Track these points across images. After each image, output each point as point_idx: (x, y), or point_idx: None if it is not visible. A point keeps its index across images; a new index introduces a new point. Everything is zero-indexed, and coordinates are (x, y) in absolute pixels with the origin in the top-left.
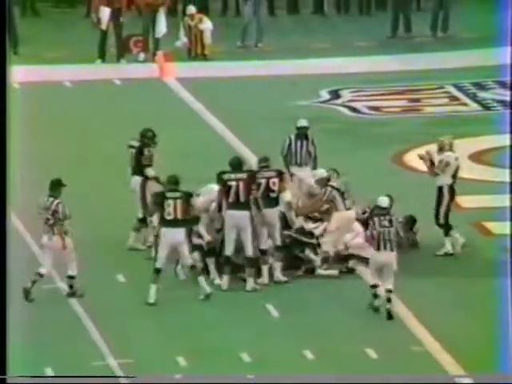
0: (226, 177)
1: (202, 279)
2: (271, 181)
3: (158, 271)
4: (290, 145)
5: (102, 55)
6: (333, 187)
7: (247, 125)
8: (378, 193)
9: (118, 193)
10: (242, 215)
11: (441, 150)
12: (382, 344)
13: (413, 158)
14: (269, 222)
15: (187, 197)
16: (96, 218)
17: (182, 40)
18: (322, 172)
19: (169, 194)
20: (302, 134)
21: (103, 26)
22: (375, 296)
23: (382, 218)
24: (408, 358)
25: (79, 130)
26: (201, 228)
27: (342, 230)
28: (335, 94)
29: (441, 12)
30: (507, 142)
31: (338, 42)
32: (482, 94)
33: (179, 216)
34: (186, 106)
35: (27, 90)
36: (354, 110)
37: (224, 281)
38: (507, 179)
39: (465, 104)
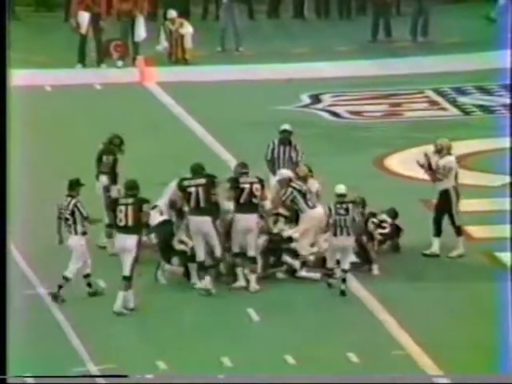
0: (185, 183)
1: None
2: (254, 186)
3: (123, 278)
4: (273, 150)
5: (82, 60)
6: (294, 188)
7: (228, 129)
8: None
9: (97, 197)
10: (204, 220)
11: (438, 152)
12: (364, 348)
13: (394, 162)
14: (247, 228)
15: (140, 203)
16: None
17: (163, 44)
18: (285, 172)
19: (121, 201)
20: (285, 138)
21: (83, 31)
22: (330, 276)
23: (339, 206)
24: (389, 361)
25: (60, 135)
26: (182, 235)
27: (315, 230)
28: (316, 99)
29: (420, 17)
30: (487, 147)
31: (319, 46)
32: (461, 99)
33: (130, 223)
34: (167, 110)
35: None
36: (334, 114)
37: (207, 281)
38: (487, 183)
39: (444, 109)
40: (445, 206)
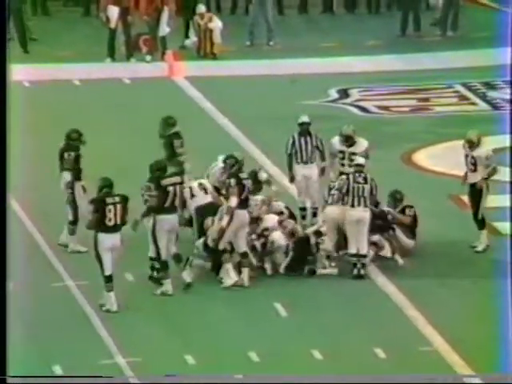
0: (164, 182)
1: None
2: (248, 182)
3: (108, 278)
4: (293, 143)
5: (112, 54)
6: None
7: (256, 124)
8: (387, 192)
9: (126, 192)
10: (175, 218)
11: (471, 147)
12: (391, 344)
13: (422, 157)
14: (244, 223)
15: (126, 200)
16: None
17: (192, 39)
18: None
19: (108, 200)
20: (305, 130)
21: (112, 25)
22: (359, 265)
23: (358, 174)
24: (416, 357)
25: (88, 129)
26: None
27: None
28: (344, 94)
29: (450, 11)
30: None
31: (347, 41)
32: (491, 94)
33: (119, 221)
34: (195, 104)
35: (37, 89)
36: (363, 109)
37: (185, 274)
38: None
39: (474, 103)
40: (474, 198)
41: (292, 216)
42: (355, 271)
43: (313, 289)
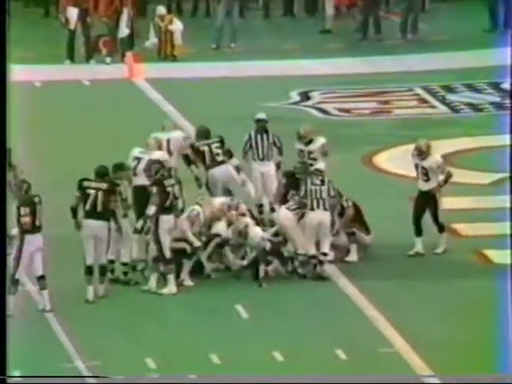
0: (85, 184)
1: (170, 277)
2: (174, 188)
3: (89, 269)
4: (249, 139)
5: (71, 55)
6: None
7: (217, 126)
8: (348, 194)
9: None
10: (99, 225)
11: (420, 155)
12: (352, 345)
13: (382, 160)
14: (167, 229)
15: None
16: (60, 215)
17: (152, 40)
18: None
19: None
20: (261, 127)
21: (71, 26)
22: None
23: (315, 177)
24: (377, 359)
25: (48, 131)
26: (189, 234)
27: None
28: (305, 96)
29: (410, 14)
30: (476, 145)
31: (309, 43)
32: (450, 97)
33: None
34: (156, 106)
35: None
36: (323, 111)
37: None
38: (475, 181)
39: (433, 106)
40: (429, 204)
41: (253, 217)
42: (317, 270)
43: (274, 291)
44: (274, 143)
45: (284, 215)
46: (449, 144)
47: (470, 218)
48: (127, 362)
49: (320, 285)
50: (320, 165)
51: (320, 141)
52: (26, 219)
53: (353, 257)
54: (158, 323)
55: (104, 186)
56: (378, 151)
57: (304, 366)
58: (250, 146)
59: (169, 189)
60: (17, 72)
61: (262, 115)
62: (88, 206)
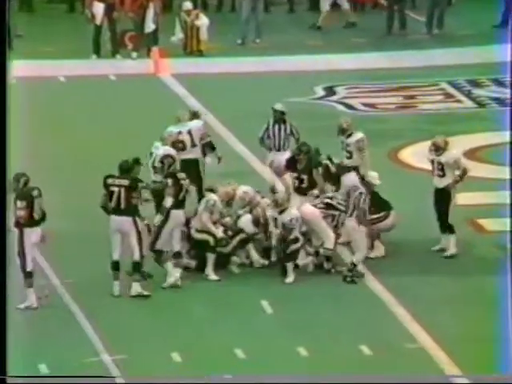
0: (109, 181)
1: (169, 265)
2: (186, 182)
3: (115, 264)
4: (267, 129)
5: (97, 50)
6: None
7: (242, 121)
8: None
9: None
10: (123, 220)
11: (437, 150)
12: (376, 341)
13: (408, 155)
14: (177, 223)
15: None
16: (91, 212)
17: (178, 36)
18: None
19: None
20: (279, 118)
21: (97, 22)
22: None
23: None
24: (402, 355)
25: (74, 126)
26: (210, 226)
27: None
28: (330, 91)
29: (436, 9)
30: (501, 139)
31: (334, 38)
32: (476, 92)
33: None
34: (181, 101)
35: (23, 85)
36: (349, 106)
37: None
38: (501, 176)
39: (459, 101)
40: (442, 202)
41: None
42: (326, 266)
43: (299, 286)
44: (292, 134)
45: (308, 210)
46: (474, 139)
47: (495, 213)
48: (153, 356)
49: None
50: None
51: (357, 136)
52: (22, 213)
53: (380, 251)
54: (183, 318)
55: (126, 182)
56: (403, 146)
57: (328, 361)
58: (268, 135)
59: (182, 182)
60: (42, 67)
61: (279, 106)
62: (113, 203)
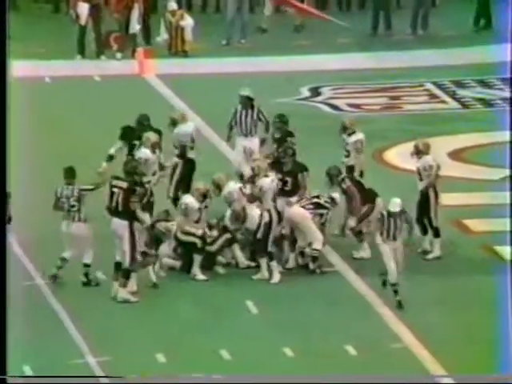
0: (113, 182)
1: (150, 269)
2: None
3: (117, 265)
4: (234, 115)
5: (82, 51)
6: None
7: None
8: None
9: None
10: (119, 223)
11: (418, 154)
12: (362, 341)
13: (392, 156)
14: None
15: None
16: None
17: (163, 36)
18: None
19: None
20: (245, 103)
21: (82, 22)
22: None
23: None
24: (387, 354)
25: (59, 127)
26: (187, 227)
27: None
28: (316, 92)
29: (421, 10)
30: (486, 140)
31: (319, 39)
32: (461, 92)
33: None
34: (166, 102)
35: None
36: (334, 107)
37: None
38: (486, 177)
39: (444, 102)
40: (423, 205)
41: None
42: (312, 266)
43: (284, 286)
44: (260, 119)
45: (297, 212)
46: (459, 139)
47: (480, 213)
48: (138, 357)
49: (330, 281)
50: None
51: (356, 136)
52: None
53: (366, 253)
54: (169, 318)
55: (124, 185)
56: (388, 147)
57: (314, 361)
58: (235, 121)
59: (146, 185)
60: (27, 68)
61: (246, 91)
62: (113, 204)
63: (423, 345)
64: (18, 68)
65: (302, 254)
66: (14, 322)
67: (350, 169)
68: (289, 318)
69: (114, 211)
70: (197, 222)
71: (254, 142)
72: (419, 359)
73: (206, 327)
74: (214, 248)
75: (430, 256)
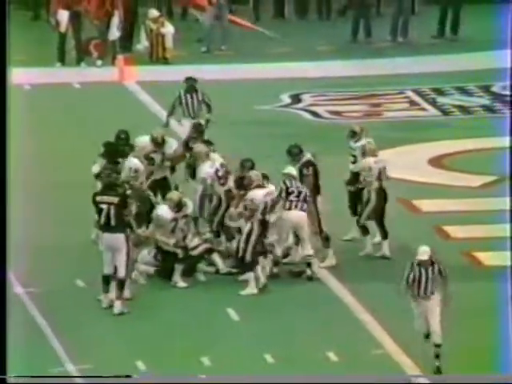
0: (98, 199)
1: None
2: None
3: (105, 278)
4: (179, 97)
5: (62, 58)
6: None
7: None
8: (340, 197)
9: (72, 196)
10: (114, 237)
11: (363, 154)
12: (343, 347)
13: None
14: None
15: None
16: (57, 222)
17: (143, 43)
18: (290, 169)
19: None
20: (190, 86)
21: (62, 29)
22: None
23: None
24: (368, 360)
25: (38, 134)
26: (160, 237)
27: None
28: (296, 99)
29: (400, 17)
30: (465, 147)
31: (299, 46)
32: (441, 100)
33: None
34: (147, 109)
35: None
36: (314, 114)
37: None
38: (465, 184)
39: (424, 109)
40: (364, 203)
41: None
42: (309, 272)
43: (265, 293)
44: (204, 101)
45: (297, 215)
46: (439, 146)
47: (460, 220)
48: (118, 364)
49: (311, 287)
50: (288, 169)
51: (363, 141)
52: None
53: (331, 261)
54: (149, 326)
55: (115, 200)
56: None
57: (295, 368)
58: (180, 103)
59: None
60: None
61: (191, 77)
62: (102, 219)
63: (404, 351)
64: None
65: (276, 263)
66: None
67: (355, 175)
68: (270, 324)
69: (105, 227)
70: (172, 231)
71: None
72: (400, 364)
73: (187, 334)
74: (194, 253)
75: (363, 253)
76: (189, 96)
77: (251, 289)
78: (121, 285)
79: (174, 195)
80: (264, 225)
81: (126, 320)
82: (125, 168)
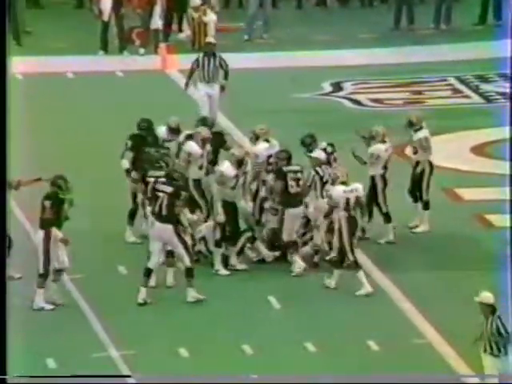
0: (157, 186)
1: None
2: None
3: (148, 271)
4: (197, 61)
5: (105, 47)
6: (316, 173)
7: (249, 117)
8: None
9: (119, 185)
10: (164, 228)
11: (372, 139)
12: (384, 336)
13: None
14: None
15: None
16: (98, 210)
17: (186, 32)
18: (318, 153)
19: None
20: (210, 50)
21: (105, 18)
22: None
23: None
24: (409, 350)
25: (81, 122)
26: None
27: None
28: (337, 87)
29: (443, 4)
30: (507, 135)
31: (341, 34)
32: (484, 87)
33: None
34: (189, 97)
35: (30, 81)
36: (356, 102)
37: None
38: (506, 172)
39: (467, 96)
40: (372, 193)
41: None
42: (316, 259)
43: (306, 282)
44: (221, 66)
45: (321, 205)
46: (482, 134)
47: (502, 208)
48: (160, 351)
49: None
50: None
51: (422, 133)
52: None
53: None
54: (192, 313)
55: (169, 189)
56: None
57: (336, 356)
58: (198, 66)
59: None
60: (50, 63)
61: (210, 38)
62: (156, 208)
63: (446, 341)
64: (40, 64)
65: (316, 252)
66: (15, 322)
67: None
68: (311, 313)
69: (157, 215)
70: (233, 188)
71: (215, 88)
72: (441, 354)
73: (228, 322)
74: (236, 249)
75: (382, 240)
76: (206, 60)
77: (367, 288)
78: (190, 272)
79: (236, 151)
80: (350, 222)
81: (168, 307)
82: (182, 152)
